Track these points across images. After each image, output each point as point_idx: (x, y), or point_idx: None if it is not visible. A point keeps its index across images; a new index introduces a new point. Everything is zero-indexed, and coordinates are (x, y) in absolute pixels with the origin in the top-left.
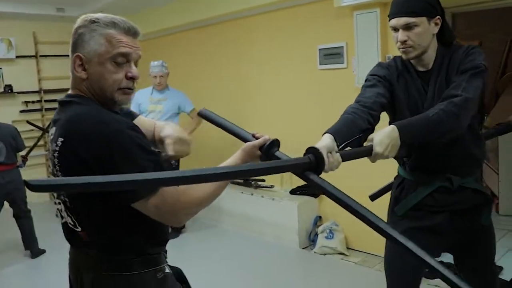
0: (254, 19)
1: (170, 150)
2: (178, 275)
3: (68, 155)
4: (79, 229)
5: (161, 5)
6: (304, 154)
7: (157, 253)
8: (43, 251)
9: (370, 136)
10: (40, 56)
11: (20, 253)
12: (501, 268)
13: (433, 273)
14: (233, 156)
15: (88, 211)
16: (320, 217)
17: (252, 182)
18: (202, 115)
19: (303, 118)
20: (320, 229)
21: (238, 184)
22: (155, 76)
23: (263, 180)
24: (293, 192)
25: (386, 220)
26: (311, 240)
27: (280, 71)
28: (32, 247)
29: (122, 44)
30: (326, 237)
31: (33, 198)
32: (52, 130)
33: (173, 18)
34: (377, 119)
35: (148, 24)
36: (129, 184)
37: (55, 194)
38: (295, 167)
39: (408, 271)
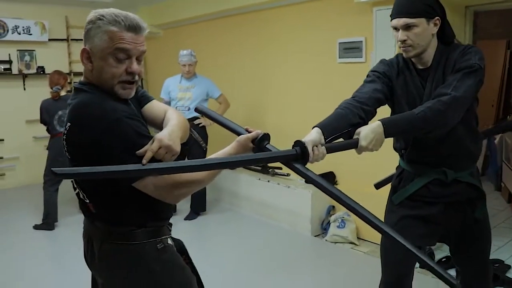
0: (277, 11)
1: (150, 152)
2: (180, 247)
3: (73, 138)
4: (87, 201)
5: None
6: (292, 147)
7: (158, 226)
8: None
9: (357, 130)
10: (71, 39)
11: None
12: (509, 266)
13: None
14: (228, 147)
15: (93, 189)
16: (333, 206)
17: (270, 170)
18: (199, 111)
19: (321, 109)
20: (332, 218)
21: (256, 171)
22: (184, 65)
23: (280, 168)
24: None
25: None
26: (323, 228)
27: (300, 63)
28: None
29: (123, 40)
30: (338, 226)
31: None
32: (66, 114)
33: (200, 7)
34: (370, 114)
35: (176, 12)
36: (134, 172)
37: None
38: (284, 158)
39: (401, 260)
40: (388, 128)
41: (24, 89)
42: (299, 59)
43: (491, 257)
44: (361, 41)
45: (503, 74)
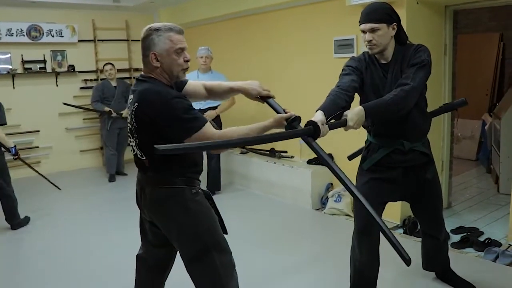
0: (282, 13)
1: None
2: (207, 195)
3: (140, 114)
4: (144, 158)
5: None
6: (306, 125)
7: (192, 178)
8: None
9: (345, 113)
10: (98, 40)
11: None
12: (482, 232)
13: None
14: (266, 121)
15: (151, 147)
16: (331, 183)
17: (276, 153)
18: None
19: (320, 98)
20: (330, 193)
21: (264, 154)
22: (202, 57)
23: (286, 152)
24: (309, 162)
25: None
26: (322, 202)
27: (301, 58)
28: (10, 221)
29: (180, 41)
30: (335, 201)
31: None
32: (131, 97)
33: (212, 9)
34: (351, 99)
35: (191, 14)
36: (204, 148)
37: (129, 134)
38: (302, 134)
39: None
40: (369, 112)
41: (57, 85)
42: (301, 54)
43: (469, 225)
44: (353, 39)
45: (496, 65)
